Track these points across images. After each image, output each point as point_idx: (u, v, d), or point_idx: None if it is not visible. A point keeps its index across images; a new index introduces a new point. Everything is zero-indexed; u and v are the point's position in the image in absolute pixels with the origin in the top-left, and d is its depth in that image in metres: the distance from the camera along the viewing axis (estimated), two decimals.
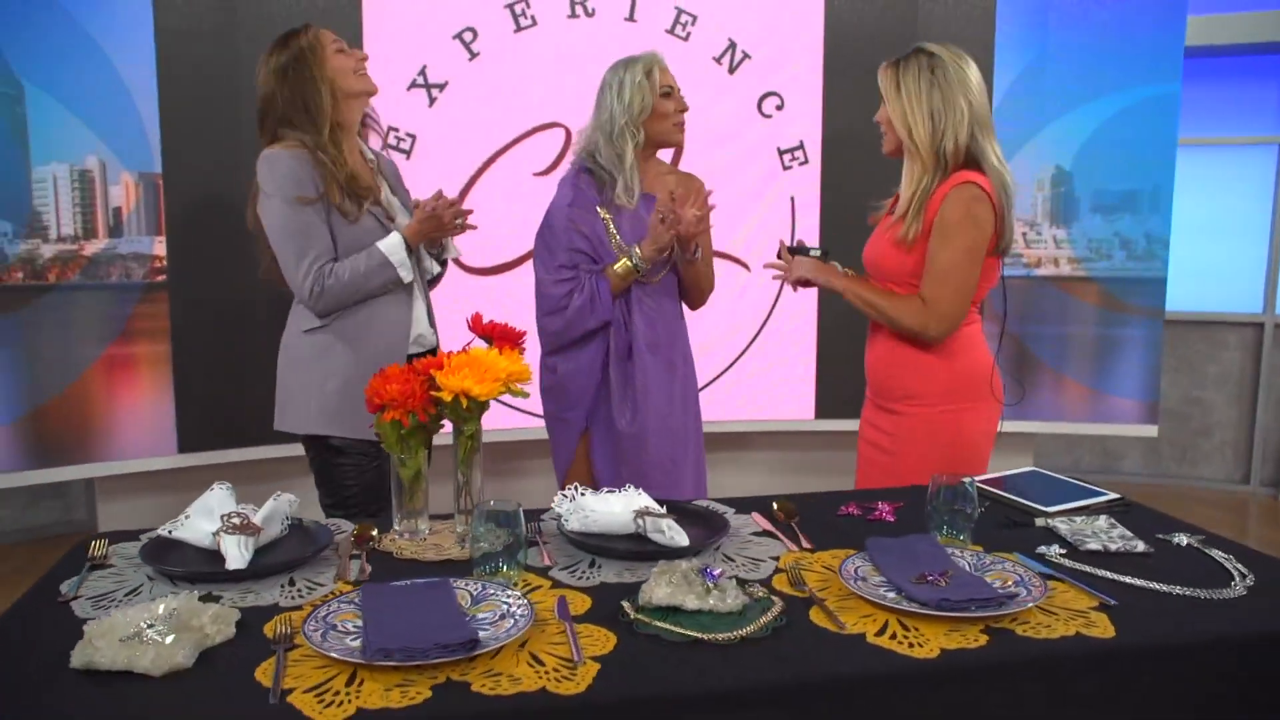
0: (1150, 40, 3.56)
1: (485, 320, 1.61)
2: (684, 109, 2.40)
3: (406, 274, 2.15)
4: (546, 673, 1.09)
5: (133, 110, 3.01)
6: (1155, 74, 3.57)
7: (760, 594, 1.30)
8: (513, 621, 1.20)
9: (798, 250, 2.27)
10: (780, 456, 3.97)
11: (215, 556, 1.38)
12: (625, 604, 1.26)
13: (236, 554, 1.34)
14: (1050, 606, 1.29)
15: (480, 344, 1.54)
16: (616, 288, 2.35)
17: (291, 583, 1.36)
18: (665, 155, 2.73)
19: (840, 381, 3.77)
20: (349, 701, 1.02)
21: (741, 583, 1.33)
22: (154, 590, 1.33)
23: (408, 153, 3.37)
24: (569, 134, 3.52)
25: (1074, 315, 3.75)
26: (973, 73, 2.08)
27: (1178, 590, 1.34)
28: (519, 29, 3.44)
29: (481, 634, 1.16)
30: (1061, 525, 1.61)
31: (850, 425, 3.45)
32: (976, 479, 1.85)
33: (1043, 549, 1.50)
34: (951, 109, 2.05)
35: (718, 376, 3.73)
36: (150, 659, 1.06)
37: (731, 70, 3.61)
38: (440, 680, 1.07)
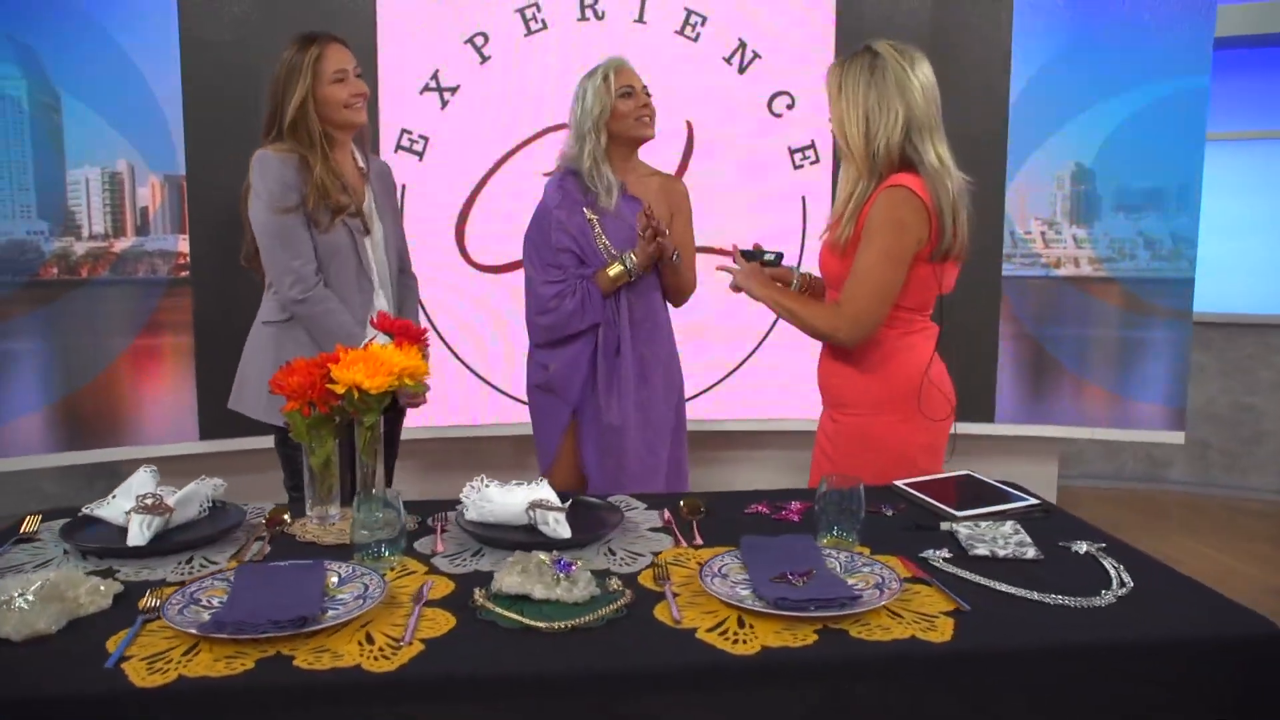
0: (1178, 31, 3.43)
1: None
2: (643, 104, 2.45)
3: None
4: (371, 651, 1.16)
5: (159, 116, 3.19)
6: (1183, 66, 3.44)
7: (615, 587, 1.34)
8: (362, 602, 1.26)
9: (751, 255, 2.26)
10: (792, 455, 3.95)
11: (125, 534, 1.49)
12: (477, 591, 1.31)
13: (137, 532, 1.45)
14: (901, 610, 1.29)
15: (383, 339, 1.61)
16: (606, 291, 2.43)
17: (189, 560, 1.46)
18: (670, 154, 2.79)
19: None
20: (174, 670, 1.10)
21: (601, 576, 1.37)
22: (65, 564, 1.44)
23: (420, 154, 3.48)
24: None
25: (1095, 317, 3.64)
26: (919, 73, 2.03)
27: (1035, 596, 1.33)
28: (529, 32, 3.52)
29: (331, 613, 1.23)
30: (963, 530, 1.60)
31: None
32: (903, 481, 1.86)
33: (928, 553, 1.50)
34: (886, 110, 2.00)
35: (729, 374, 3.74)
36: (12, 625, 1.17)
37: (742, 70, 3.62)
38: (270, 654, 1.14)
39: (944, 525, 1.64)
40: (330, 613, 1.23)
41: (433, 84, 3.47)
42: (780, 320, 3.71)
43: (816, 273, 2.29)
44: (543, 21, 3.51)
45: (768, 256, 2.25)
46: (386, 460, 2.55)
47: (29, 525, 1.58)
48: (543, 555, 1.34)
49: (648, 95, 2.50)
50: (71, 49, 3.08)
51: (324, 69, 2.29)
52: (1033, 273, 3.65)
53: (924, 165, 2.02)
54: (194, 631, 1.16)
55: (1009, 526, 1.61)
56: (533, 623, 1.22)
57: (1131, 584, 1.39)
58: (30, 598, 1.21)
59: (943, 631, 1.23)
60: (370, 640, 1.19)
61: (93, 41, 3.10)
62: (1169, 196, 3.52)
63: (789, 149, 3.67)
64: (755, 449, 3.95)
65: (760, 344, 3.72)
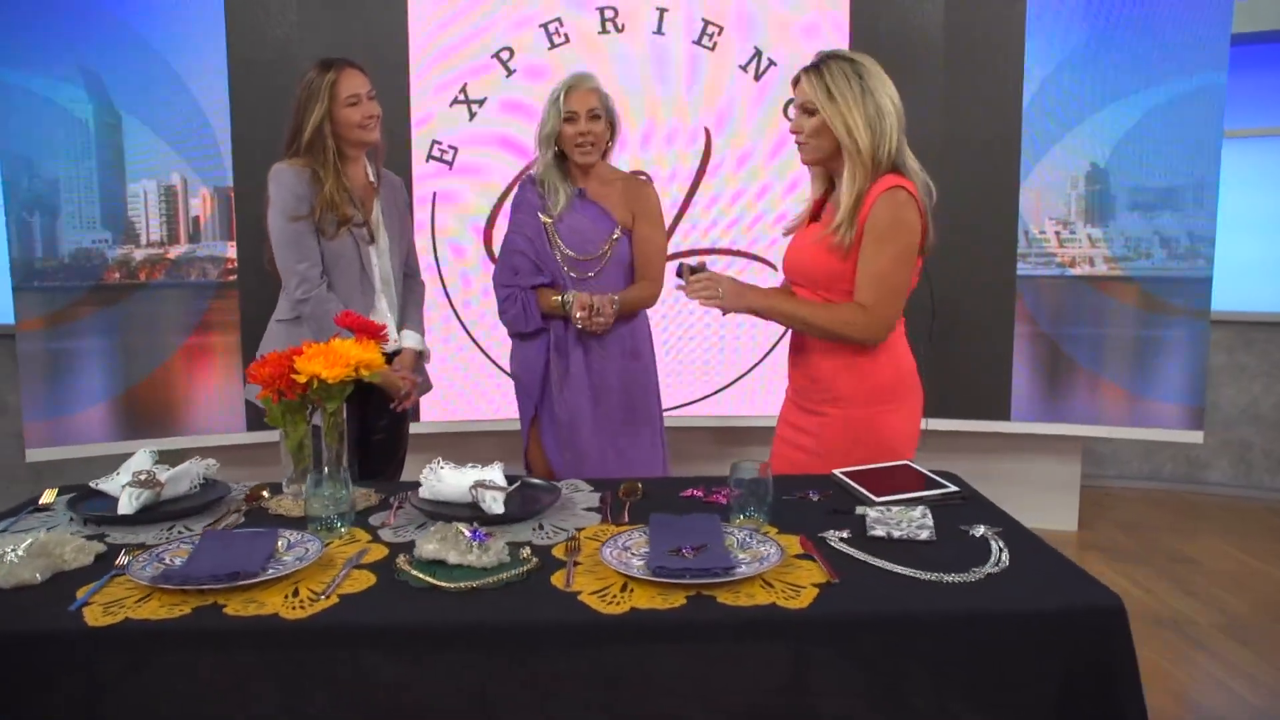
0: (1194, 28, 3.42)
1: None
2: (581, 131, 2.56)
3: None
4: (293, 603, 1.34)
5: (209, 133, 3.48)
6: (1199, 64, 3.43)
7: (525, 556, 1.50)
8: (299, 563, 1.45)
9: (699, 270, 2.21)
10: None
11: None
12: (401, 556, 1.49)
13: (126, 502, 1.67)
14: (776, 580, 1.41)
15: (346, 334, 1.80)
16: (546, 310, 2.58)
17: (171, 529, 1.67)
18: (689, 159, 2.91)
19: None
20: (123, 613, 1.30)
21: (518, 546, 1.53)
22: (68, 529, 1.67)
23: (450, 163, 3.70)
24: (612, 140, 3.76)
25: (1111, 316, 3.65)
26: (889, 80, 2.12)
27: (908, 571, 1.44)
28: (553, 46, 3.70)
29: (271, 571, 1.42)
30: (873, 513, 1.71)
31: None
32: (840, 470, 1.97)
33: (829, 533, 1.61)
34: (885, 114, 2.06)
35: (747, 372, 3.86)
36: (1, 574, 1.39)
37: (757, 77, 3.74)
38: (207, 603, 1.34)
39: (859, 510, 1.75)
40: (271, 571, 1.42)
41: (461, 97, 3.69)
42: None
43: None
44: (565, 35, 3.70)
45: (694, 264, 2.22)
46: (395, 456, 2.78)
47: (46, 498, 1.82)
48: (461, 525, 1.51)
49: (593, 120, 2.57)
50: (131, 73, 3.40)
51: (339, 92, 2.50)
52: (1047, 272, 3.68)
53: (908, 167, 2.11)
54: (145, 582, 1.36)
55: (919, 511, 1.71)
56: (437, 583, 1.39)
57: (1008, 563, 1.48)
58: (20, 553, 1.43)
59: (803, 600, 1.35)
60: (296, 594, 1.37)
61: (150, 65, 3.41)
62: (1185, 195, 3.51)
63: None
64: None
65: (775, 345, 3.82)
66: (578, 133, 2.58)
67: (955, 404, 3.80)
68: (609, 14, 3.70)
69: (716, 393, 3.87)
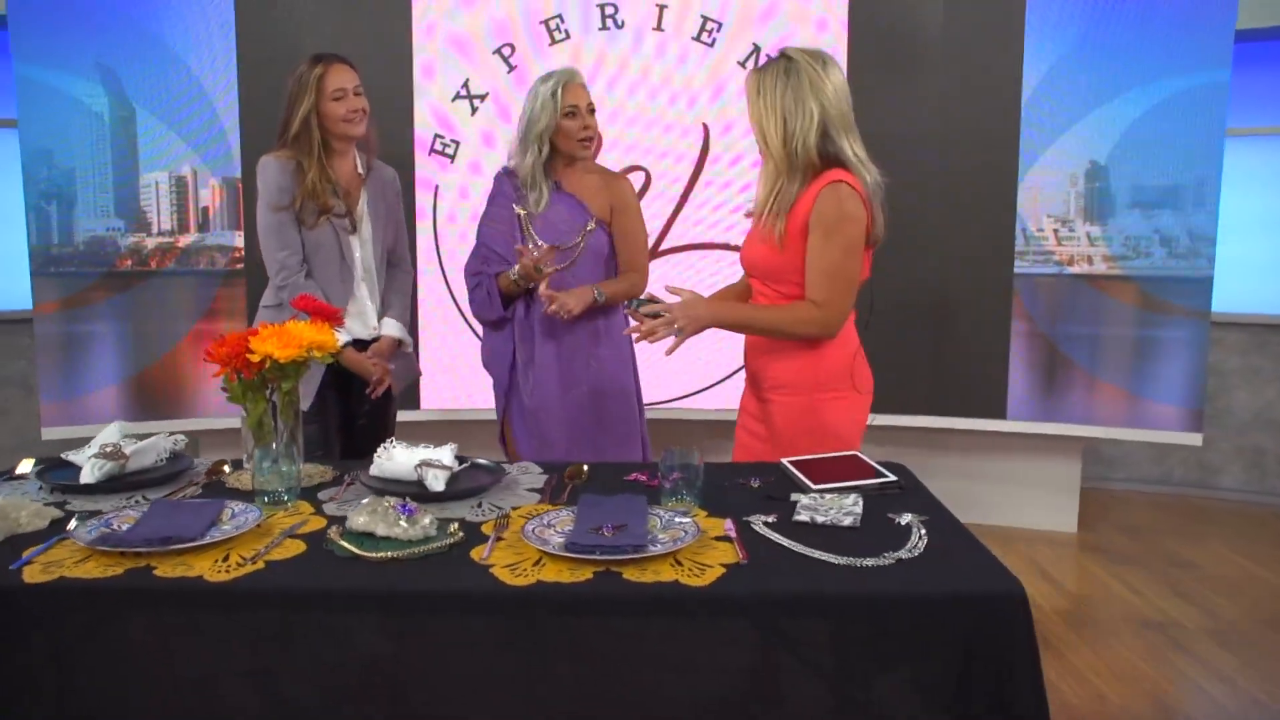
0: (1197, 24, 3.38)
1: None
2: (584, 125, 2.60)
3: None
4: (220, 567, 1.41)
5: (218, 127, 3.59)
6: (1202, 60, 3.39)
7: (452, 530, 1.56)
8: (236, 531, 1.52)
9: (645, 303, 2.20)
10: None
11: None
12: (333, 528, 1.55)
13: (88, 472, 1.76)
14: (687, 559, 1.45)
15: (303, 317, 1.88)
16: (507, 291, 2.62)
17: (130, 498, 1.75)
18: (687, 153, 2.94)
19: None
20: (59, 572, 1.38)
21: (449, 522, 1.59)
22: (35, 496, 1.76)
23: (452, 157, 3.78)
24: (599, 138, 3.81)
25: (1110, 316, 3.62)
26: (832, 76, 2.14)
27: (818, 555, 1.47)
28: (554, 42, 3.76)
29: (209, 538, 1.49)
30: (805, 500, 1.74)
31: (882, 419, 3.63)
32: (788, 460, 2.00)
33: (754, 517, 1.65)
34: (802, 112, 2.11)
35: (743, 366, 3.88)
36: None
37: None
38: (140, 565, 1.41)
39: (794, 496, 1.78)
40: (209, 538, 1.49)
41: (463, 92, 3.76)
42: None
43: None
44: (565, 32, 3.75)
45: (641, 299, 2.24)
46: (381, 441, 2.85)
47: (22, 468, 1.91)
48: (390, 500, 1.57)
49: (591, 115, 2.62)
50: (146, 68, 3.52)
51: (326, 87, 2.57)
52: (1045, 270, 3.66)
53: (849, 161, 2.15)
54: (85, 544, 1.44)
55: (851, 499, 1.74)
56: (360, 552, 1.45)
57: (922, 550, 1.51)
58: None
59: (706, 579, 1.39)
60: (226, 559, 1.44)
61: (163, 62, 3.53)
62: (1186, 193, 3.47)
63: None
64: None
65: None
66: (582, 126, 2.61)
67: (950, 402, 3.80)
68: (609, 10, 3.75)
69: (714, 385, 3.90)
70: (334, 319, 1.91)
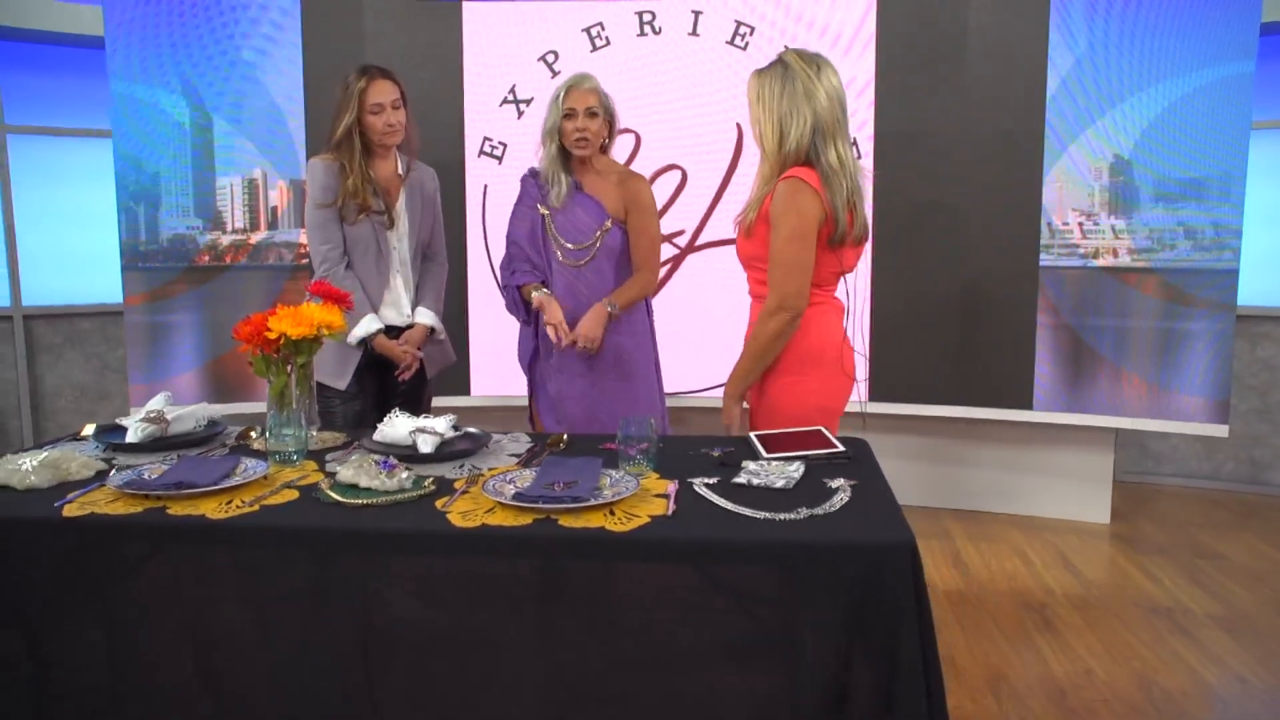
0: (1221, 17, 3.38)
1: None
2: (578, 127, 2.77)
3: (353, 339, 2.82)
4: (223, 508, 1.66)
5: (286, 133, 3.92)
6: (1226, 53, 3.39)
7: (427, 484, 1.78)
8: (242, 480, 1.78)
9: None
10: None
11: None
12: (325, 479, 1.80)
13: (132, 433, 2.04)
14: (621, 511, 1.63)
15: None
16: (529, 300, 2.84)
17: (166, 456, 2.03)
18: (721, 153, 3.12)
19: (890, 366, 3.94)
20: (90, 509, 1.66)
21: (425, 477, 1.82)
22: (90, 452, 2.05)
23: (500, 159, 4.03)
24: (638, 138, 4.02)
25: (1135, 308, 3.63)
26: (825, 81, 2.28)
27: (737, 509, 1.63)
28: (595, 49, 3.98)
29: (222, 485, 1.75)
30: (752, 465, 1.90)
31: (910, 408, 3.70)
32: (755, 433, 2.17)
33: (698, 479, 1.82)
34: (797, 115, 2.27)
35: None
36: (16, 479, 1.77)
37: None
38: (158, 505, 1.68)
39: (745, 463, 1.94)
40: (221, 485, 1.75)
41: (510, 97, 4.01)
42: None
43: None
44: (606, 39, 3.96)
45: None
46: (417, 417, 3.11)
47: (86, 431, 2.22)
48: (374, 457, 1.80)
49: (590, 117, 2.78)
50: (222, 81, 3.87)
51: (366, 100, 2.83)
52: (1071, 263, 3.70)
53: (820, 163, 2.29)
54: (115, 488, 1.71)
55: (794, 466, 1.89)
56: (340, 499, 1.69)
57: (836, 509, 1.66)
58: (34, 464, 1.81)
59: (629, 525, 1.57)
60: (229, 503, 1.69)
61: (238, 75, 3.87)
62: (1211, 186, 3.47)
63: None
64: None
65: None
66: (575, 128, 2.81)
67: (977, 393, 3.87)
68: (647, 18, 3.95)
69: None
70: (343, 302, 2.17)
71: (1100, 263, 3.67)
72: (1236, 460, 4.54)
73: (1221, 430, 3.56)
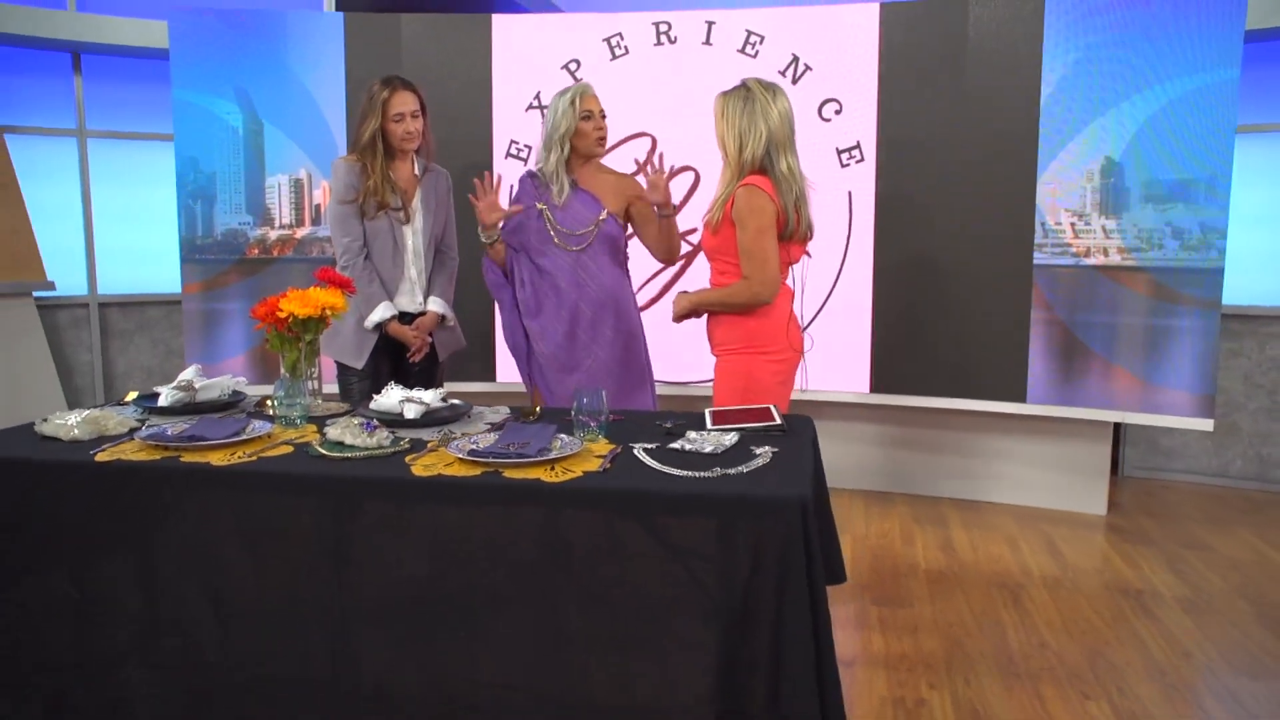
0: (1208, 25, 3.49)
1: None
2: (598, 126, 3.04)
3: (369, 324, 3.14)
4: (227, 458, 1.96)
5: (329, 136, 4.26)
6: (1213, 60, 3.49)
7: (404, 443, 2.06)
8: (247, 437, 2.08)
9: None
10: (837, 426, 4.37)
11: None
12: (316, 438, 2.09)
13: (164, 399, 2.37)
14: (560, 467, 1.88)
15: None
16: (496, 258, 3.11)
17: (191, 419, 2.35)
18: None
19: (893, 359, 4.12)
20: (115, 455, 1.97)
21: (401, 437, 2.10)
22: (128, 414, 2.38)
23: (525, 160, 4.31)
24: (654, 141, 4.26)
25: (1124, 305, 3.75)
26: (779, 104, 2.67)
27: (659, 466, 1.87)
28: (614, 57, 4.23)
29: (227, 440, 2.05)
30: (693, 434, 2.13)
31: (908, 400, 3.94)
32: (709, 410, 2.40)
33: (638, 445, 2.06)
34: (754, 130, 2.64)
35: None
36: (63, 432, 2.10)
37: (795, 80, 4.11)
38: (173, 455, 1.98)
39: (689, 433, 2.17)
40: (226, 440, 2.05)
41: (535, 102, 4.29)
42: (826, 305, 4.20)
43: None
44: (625, 48, 4.22)
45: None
46: None
47: (129, 396, 2.55)
48: (360, 419, 2.09)
49: (603, 118, 3.07)
50: (272, 88, 4.23)
51: (388, 109, 3.13)
52: (1063, 261, 3.83)
53: (774, 171, 2.65)
54: (138, 440, 2.03)
55: (731, 436, 2.12)
56: (325, 452, 1.97)
57: (749, 471, 1.88)
58: (78, 419, 2.14)
59: (563, 478, 1.82)
60: (233, 455, 1.99)
61: (287, 83, 4.23)
62: (1198, 188, 3.58)
63: (836, 149, 4.11)
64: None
65: (808, 326, 4.17)
66: (595, 128, 3.09)
67: (973, 385, 4.02)
68: (663, 28, 4.19)
69: None
70: (346, 287, 2.46)
71: (1091, 261, 3.79)
72: (1245, 457, 4.59)
73: (1206, 424, 3.66)
